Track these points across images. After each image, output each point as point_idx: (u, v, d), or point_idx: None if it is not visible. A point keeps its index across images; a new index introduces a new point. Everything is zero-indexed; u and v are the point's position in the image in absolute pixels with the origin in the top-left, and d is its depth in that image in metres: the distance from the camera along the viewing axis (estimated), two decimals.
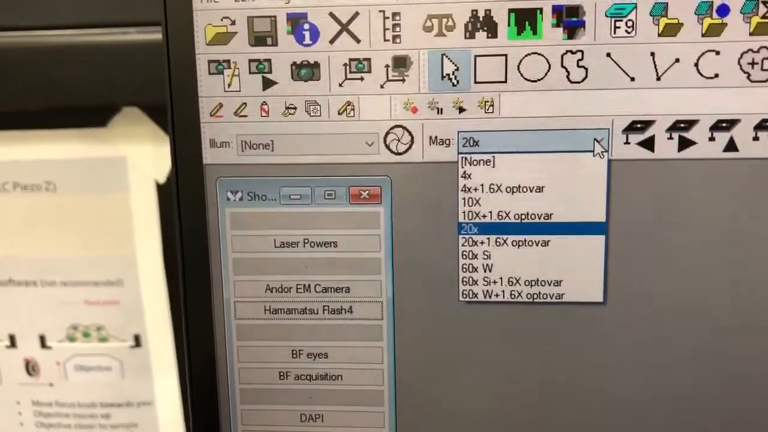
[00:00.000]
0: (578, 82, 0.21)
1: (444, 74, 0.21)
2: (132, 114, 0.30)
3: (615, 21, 0.21)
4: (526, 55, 0.21)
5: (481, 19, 0.21)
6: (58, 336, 0.33)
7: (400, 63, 0.21)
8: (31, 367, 0.34)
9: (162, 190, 0.31)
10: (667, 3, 0.20)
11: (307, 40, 0.21)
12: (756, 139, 0.21)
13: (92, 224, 0.32)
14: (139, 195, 0.31)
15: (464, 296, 0.23)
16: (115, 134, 0.31)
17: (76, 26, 0.29)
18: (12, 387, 0.34)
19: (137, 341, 0.33)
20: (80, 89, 0.29)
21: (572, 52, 0.21)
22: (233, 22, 0.21)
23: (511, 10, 0.21)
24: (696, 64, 0.21)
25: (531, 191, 0.22)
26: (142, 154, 0.31)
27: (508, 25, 0.21)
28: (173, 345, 0.33)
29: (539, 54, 0.21)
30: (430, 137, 0.22)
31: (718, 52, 0.21)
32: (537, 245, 0.22)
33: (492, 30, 0.21)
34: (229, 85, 0.22)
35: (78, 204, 0.32)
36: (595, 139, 0.21)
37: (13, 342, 0.33)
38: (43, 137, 0.31)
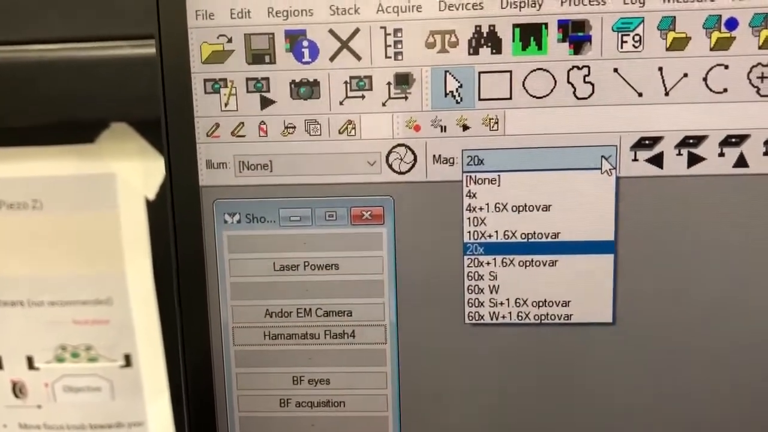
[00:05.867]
0: (585, 98, 0.21)
1: (447, 91, 0.21)
2: (121, 130, 0.30)
3: (622, 35, 0.20)
4: (531, 71, 0.21)
5: (485, 34, 0.21)
6: (46, 357, 0.33)
7: (402, 80, 0.21)
8: (18, 389, 0.33)
9: (152, 206, 0.31)
10: (674, 17, 0.20)
11: (306, 58, 0.21)
12: (767, 154, 0.21)
13: (80, 242, 0.31)
14: (128, 212, 0.31)
15: (470, 318, 0.22)
16: (104, 150, 0.30)
17: (66, 40, 0.28)
18: None
19: (128, 361, 0.33)
20: (70, 105, 0.29)
21: (578, 68, 0.21)
22: (230, 40, 0.21)
23: (515, 26, 0.20)
24: (705, 79, 0.21)
25: (537, 210, 0.22)
26: (131, 171, 0.31)
27: (513, 40, 0.21)
28: (165, 365, 0.33)
29: (545, 70, 0.21)
30: (434, 156, 0.21)
31: (726, 67, 0.20)
32: (544, 265, 0.22)
33: (496, 46, 0.21)
34: (226, 105, 0.21)
35: (66, 222, 0.31)
36: (602, 156, 0.21)
37: None
38: (29, 154, 0.31)
